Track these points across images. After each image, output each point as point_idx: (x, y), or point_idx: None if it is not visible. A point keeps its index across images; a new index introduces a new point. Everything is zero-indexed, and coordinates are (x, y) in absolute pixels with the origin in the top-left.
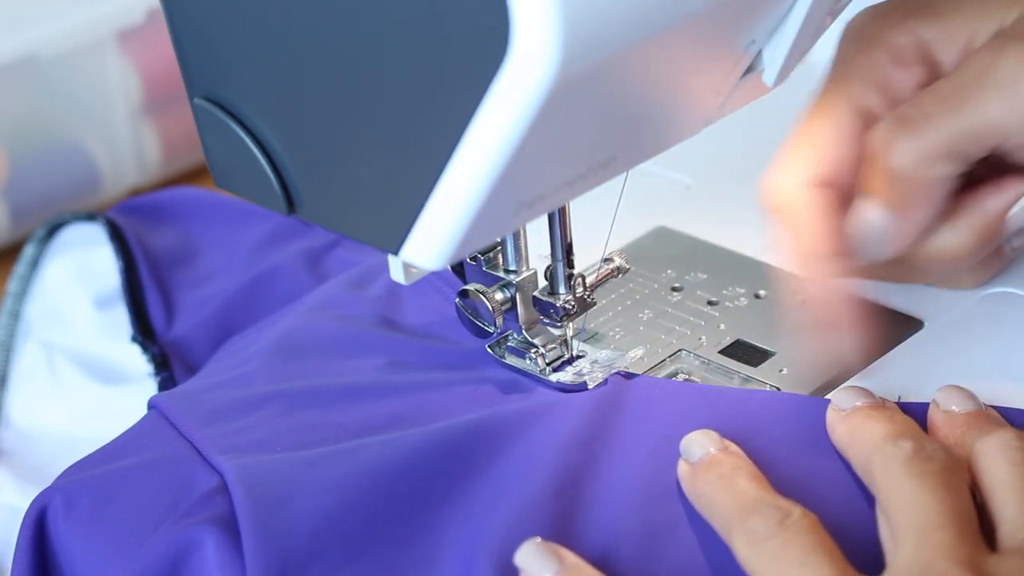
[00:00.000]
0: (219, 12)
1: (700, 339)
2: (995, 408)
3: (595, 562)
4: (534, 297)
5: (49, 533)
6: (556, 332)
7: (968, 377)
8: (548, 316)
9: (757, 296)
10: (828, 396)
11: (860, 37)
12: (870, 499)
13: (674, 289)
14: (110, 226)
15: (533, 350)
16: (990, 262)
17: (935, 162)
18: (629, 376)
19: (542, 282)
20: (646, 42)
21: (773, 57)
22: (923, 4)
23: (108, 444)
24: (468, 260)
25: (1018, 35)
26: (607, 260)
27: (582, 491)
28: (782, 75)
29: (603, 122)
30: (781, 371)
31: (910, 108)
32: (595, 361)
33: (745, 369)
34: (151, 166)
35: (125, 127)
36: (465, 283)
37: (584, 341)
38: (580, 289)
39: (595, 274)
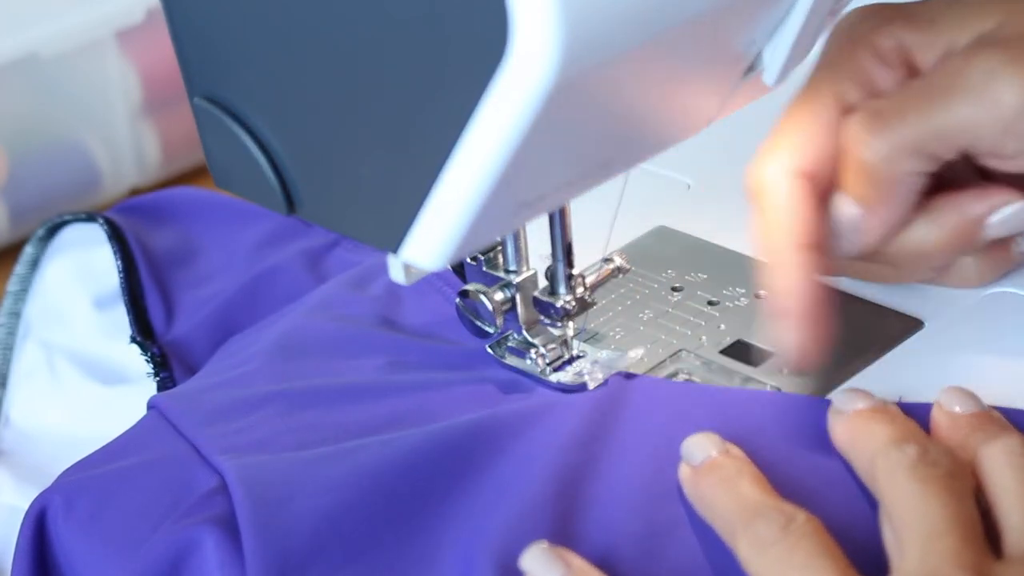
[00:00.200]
0: (219, 12)
1: (700, 339)
2: (996, 409)
3: (595, 562)
4: (534, 297)
5: (49, 533)
6: (556, 332)
7: (968, 377)
8: (548, 316)
9: (757, 296)
10: (828, 396)
11: (847, 36)
12: (872, 502)
13: (674, 289)
14: (110, 226)
15: (533, 350)
16: (998, 262)
17: (903, 158)
18: (629, 376)
19: (542, 282)
20: (646, 42)
21: (773, 57)
22: (907, 11)
23: (108, 444)
24: (468, 260)
25: (992, 42)
26: (607, 260)
27: (582, 491)
28: (782, 75)
29: (603, 122)
30: (782, 371)
31: (883, 104)
32: (595, 361)
33: (745, 369)
34: (151, 166)
35: (125, 127)
36: (465, 283)
37: (584, 341)
38: (580, 289)
39: (595, 274)
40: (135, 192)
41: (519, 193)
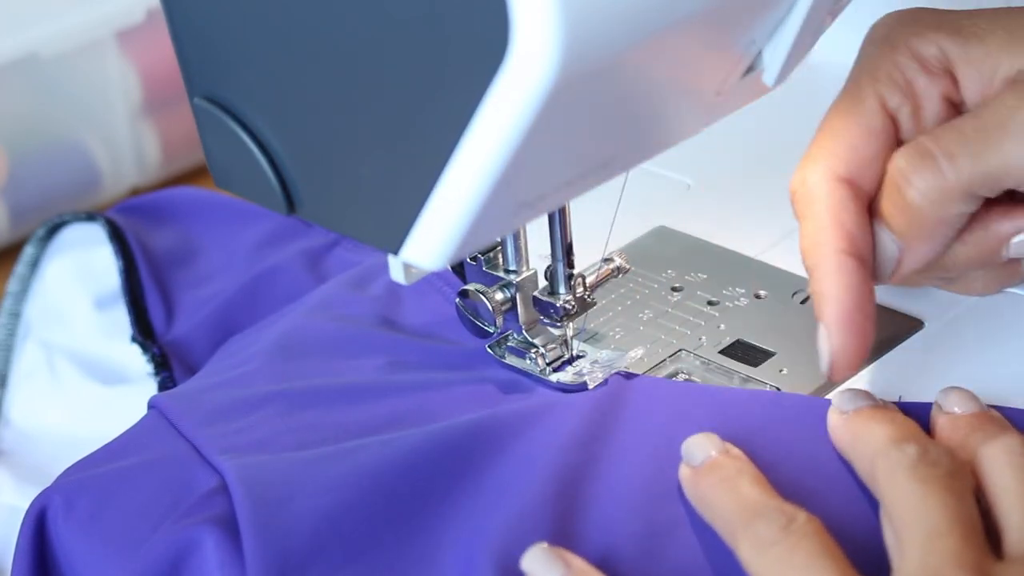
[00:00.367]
0: (219, 12)
1: (700, 339)
2: (996, 408)
3: (595, 562)
4: (534, 297)
5: (49, 533)
6: (556, 332)
7: (968, 377)
8: (548, 316)
9: (757, 296)
10: (828, 396)
11: (885, 40)
12: (873, 501)
13: (674, 289)
14: (110, 226)
15: (533, 350)
16: (1005, 276)
17: (952, 202)
18: (629, 376)
19: (542, 282)
20: (646, 42)
21: (773, 57)
22: (950, 20)
23: (108, 444)
24: (468, 260)
25: None
26: (607, 260)
27: (582, 491)
28: (782, 75)
29: (603, 122)
30: (781, 371)
31: (932, 143)
32: (595, 361)
33: (745, 369)
34: (151, 166)
35: (125, 127)
36: (465, 283)
37: (584, 341)
38: (580, 289)
39: (595, 274)
40: (135, 192)
41: (519, 193)
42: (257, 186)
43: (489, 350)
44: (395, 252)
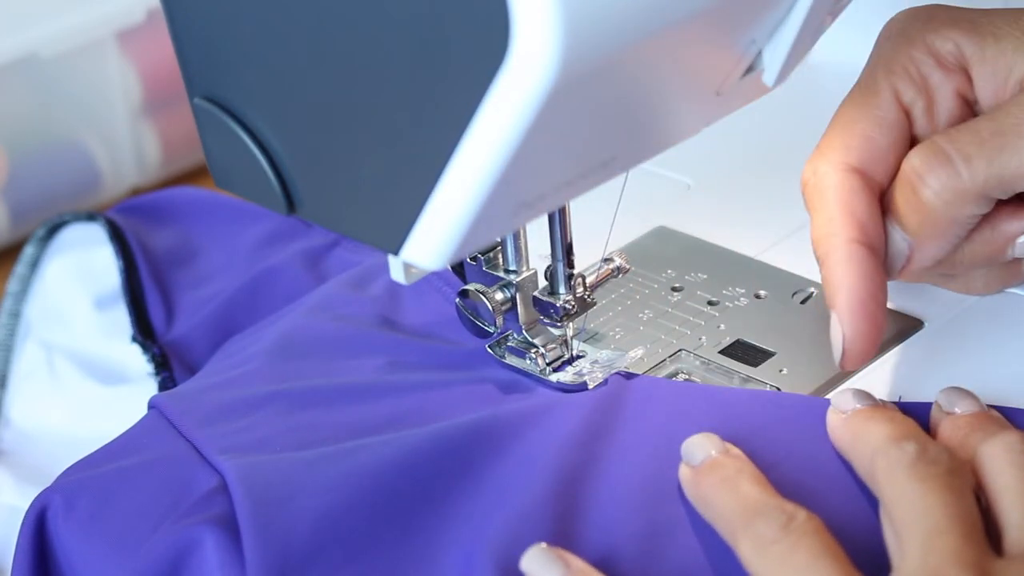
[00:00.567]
0: (219, 12)
1: (700, 339)
2: (996, 408)
3: (596, 562)
4: (534, 297)
5: (49, 533)
6: (556, 332)
7: (968, 377)
8: (548, 316)
9: (757, 296)
10: (828, 396)
11: (901, 35)
12: (873, 501)
13: (674, 289)
14: (110, 226)
15: (533, 350)
16: (1007, 276)
17: (966, 203)
18: (629, 376)
19: (542, 282)
20: (646, 42)
21: (773, 57)
22: (966, 18)
23: (108, 444)
24: (468, 260)
25: None
26: (607, 260)
27: (582, 491)
28: (782, 75)
29: (603, 122)
30: (781, 371)
31: (948, 144)
32: (595, 361)
33: (745, 369)
34: (151, 166)
35: (125, 127)
36: (465, 283)
37: (584, 341)
38: (580, 289)
39: (595, 274)
40: (135, 192)
41: (519, 193)
42: (257, 186)
43: (489, 350)
44: (395, 252)
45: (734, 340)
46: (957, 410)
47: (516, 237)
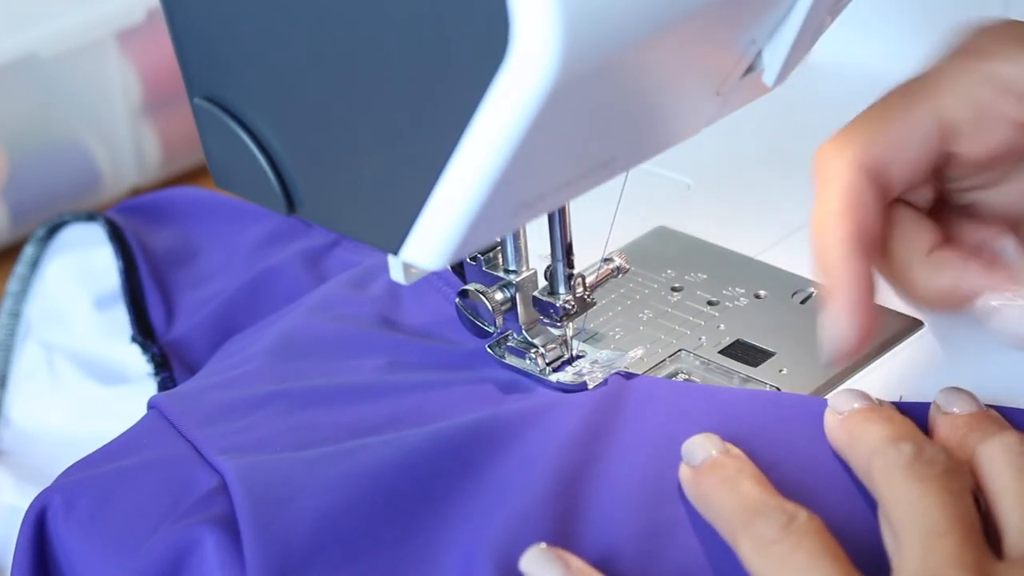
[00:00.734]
0: (219, 13)
1: (700, 339)
2: (995, 408)
3: (596, 562)
4: (534, 297)
5: (49, 533)
6: (556, 332)
7: (968, 377)
8: (548, 316)
9: (757, 296)
10: (827, 397)
11: (967, 49)
12: (871, 501)
13: (674, 289)
14: (110, 226)
15: (533, 350)
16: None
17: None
18: (629, 376)
19: (542, 282)
20: (646, 42)
21: (773, 57)
22: None
23: (108, 444)
24: (468, 260)
25: None
26: (607, 260)
27: (582, 491)
28: (782, 75)
29: (603, 122)
30: (781, 371)
31: None
32: (595, 361)
33: (745, 369)
34: (151, 166)
35: (125, 127)
36: (465, 283)
37: (584, 341)
38: (580, 289)
39: (595, 274)
40: (135, 192)
41: (519, 193)
42: (257, 186)
43: (489, 350)
44: (395, 252)
45: (734, 340)
46: (955, 410)
47: (516, 237)
